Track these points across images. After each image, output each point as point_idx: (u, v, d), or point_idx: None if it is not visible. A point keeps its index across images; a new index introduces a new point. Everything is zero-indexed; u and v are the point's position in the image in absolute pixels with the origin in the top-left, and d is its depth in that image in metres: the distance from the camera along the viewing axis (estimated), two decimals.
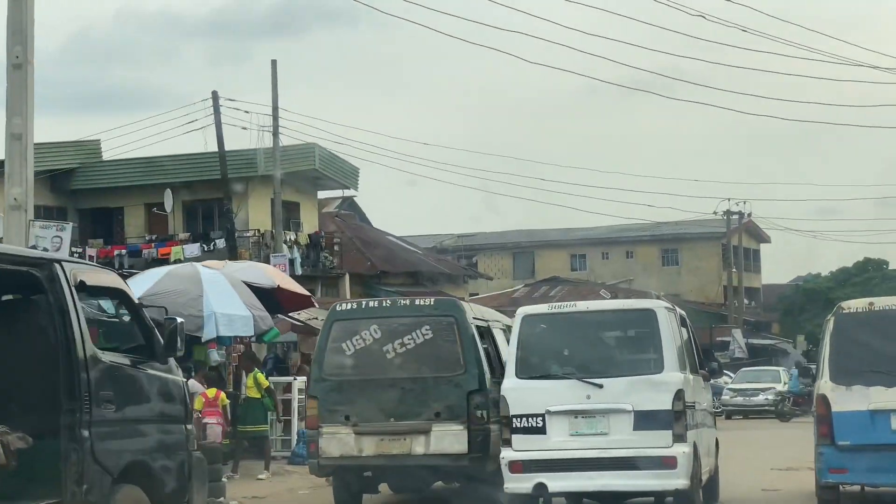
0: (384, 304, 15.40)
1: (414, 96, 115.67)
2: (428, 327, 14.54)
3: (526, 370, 13.14)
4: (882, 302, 14.20)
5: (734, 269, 60.69)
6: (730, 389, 41.73)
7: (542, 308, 14.00)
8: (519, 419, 12.85)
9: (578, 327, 13.49)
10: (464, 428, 14.20)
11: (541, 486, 12.66)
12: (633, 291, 65.45)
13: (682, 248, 72.88)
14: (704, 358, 15.90)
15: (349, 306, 15.75)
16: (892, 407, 13.27)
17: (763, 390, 40.69)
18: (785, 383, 43.03)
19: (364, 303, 15.77)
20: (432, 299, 15.63)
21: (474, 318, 14.97)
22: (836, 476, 13.51)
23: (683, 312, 14.28)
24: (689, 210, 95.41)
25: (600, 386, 12.75)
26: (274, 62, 34.69)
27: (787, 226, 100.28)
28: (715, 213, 57.29)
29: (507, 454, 12.92)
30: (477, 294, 60.78)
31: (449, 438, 14.22)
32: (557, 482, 12.73)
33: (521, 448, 12.84)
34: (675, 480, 12.57)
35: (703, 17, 20.97)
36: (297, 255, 37.08)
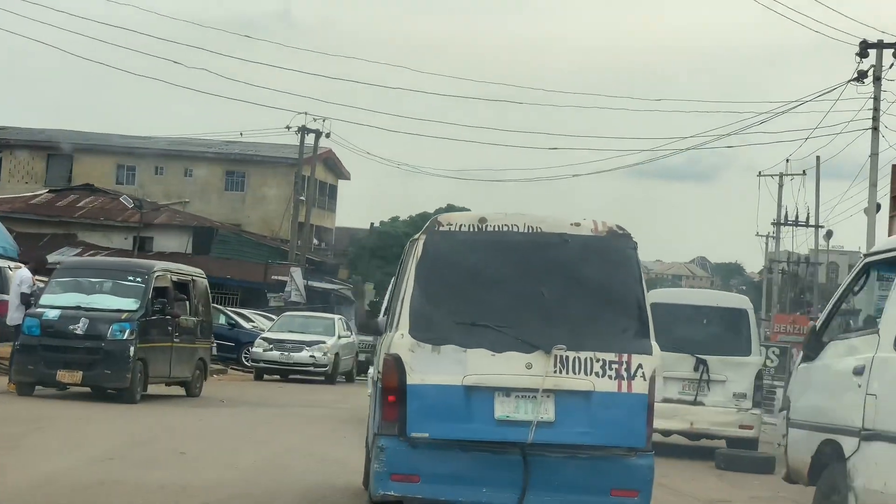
0: None
1: None
2: None
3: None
4: (498, 220, 9.27)
5: (302, 199, 52.58)
6: (264, 339, 33.13)
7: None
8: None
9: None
10: None
11: None
12: (186, 215, 56.81)
13: (250, 172, 63.97)
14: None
15: None
16: (498, 383, 8.85)
17: (309, 344, 32.50)
18: (341, 336, 35.67)
19: None
20: None
21: None
22: (402, 486, 8.90)
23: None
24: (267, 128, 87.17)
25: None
26: None
27: (371, 154, 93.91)
28: (288, 127, 49.04)
29: None
30: None
31: None
32: None
33: None
34: None
35: None
36: None
